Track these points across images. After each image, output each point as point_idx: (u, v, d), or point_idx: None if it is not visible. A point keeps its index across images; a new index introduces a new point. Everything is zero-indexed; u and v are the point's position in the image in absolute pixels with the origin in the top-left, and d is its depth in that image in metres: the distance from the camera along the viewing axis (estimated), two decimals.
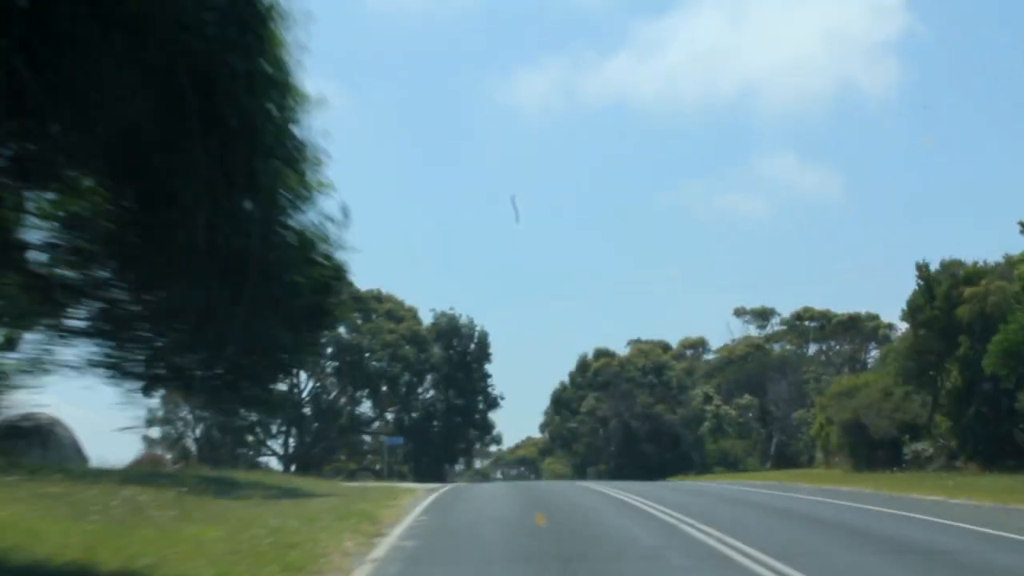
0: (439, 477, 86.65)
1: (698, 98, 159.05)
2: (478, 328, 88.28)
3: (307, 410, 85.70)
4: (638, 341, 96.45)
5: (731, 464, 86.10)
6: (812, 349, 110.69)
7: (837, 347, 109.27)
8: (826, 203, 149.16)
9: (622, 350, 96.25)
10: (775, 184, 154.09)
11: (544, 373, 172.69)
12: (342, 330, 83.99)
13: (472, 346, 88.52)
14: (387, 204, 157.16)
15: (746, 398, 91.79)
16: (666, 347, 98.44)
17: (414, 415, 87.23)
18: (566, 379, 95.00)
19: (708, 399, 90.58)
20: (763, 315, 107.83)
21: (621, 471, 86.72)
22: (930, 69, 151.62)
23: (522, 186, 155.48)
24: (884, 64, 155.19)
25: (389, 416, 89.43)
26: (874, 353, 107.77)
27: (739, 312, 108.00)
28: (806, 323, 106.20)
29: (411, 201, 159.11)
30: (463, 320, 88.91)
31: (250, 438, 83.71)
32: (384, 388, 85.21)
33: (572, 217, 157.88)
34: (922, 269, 43.63)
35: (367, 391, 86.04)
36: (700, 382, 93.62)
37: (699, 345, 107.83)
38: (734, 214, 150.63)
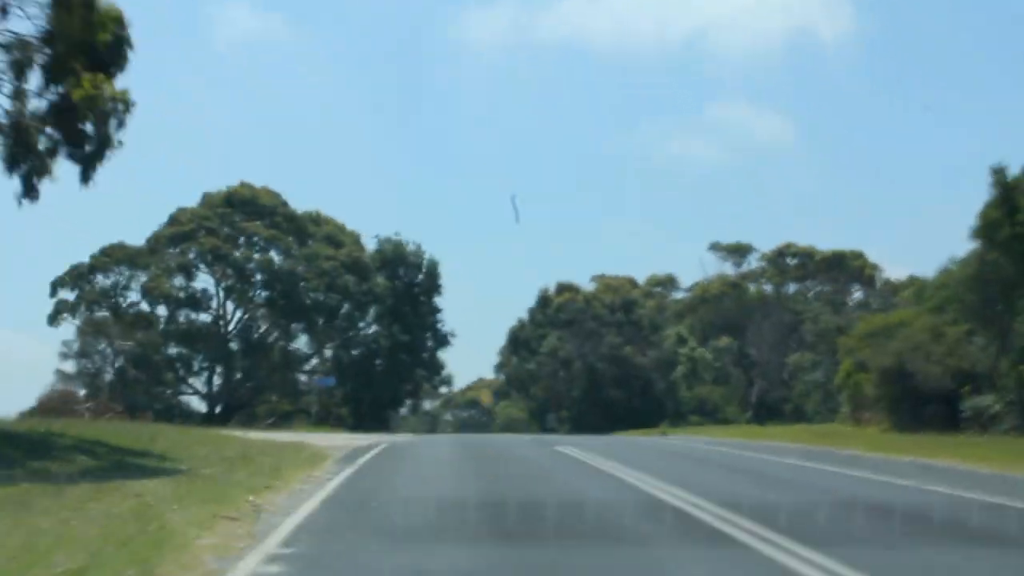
0: (382, 423, 76.41)
1: (652, 39, 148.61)
2: (427, 257, 78.00)
3: (234, 345, 74.85)
4: (603, 277, 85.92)
5: (708, 413, 76.55)
6: (791, 289, 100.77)
7: (820, 288, 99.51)
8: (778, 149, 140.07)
9: (587, 286, 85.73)
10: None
11: (500, 309, 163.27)
12: (274, 255, 73.02)
13: (420, 276, 78.02)
14: (332, 128, 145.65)
15: (723, 340, 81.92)
16: (633, 284, 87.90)
17: (354, 352, 76.80)
18: (525, 316, 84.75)
19: (682, 341, 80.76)
20: (740, 251, 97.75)
21: (583, 418, 76.99)
22: (887, 14, 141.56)
23: (478, 120, 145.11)
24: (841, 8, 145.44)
25: (328, 353, 78.56)
26: (857, 295, 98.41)
27: (714, 247, 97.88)
28: (787, 260, 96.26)
29: (357, 127, 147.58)
30: (410, 248, 78.47)
31: (169, 375, 72.59)
32: (321, 322, 74.30)
33: (526, 156, 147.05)
34: (998, 174, 33.31)
35: (302, 325, 75.28)
36: (671, 322, 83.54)
37: (668, 283, 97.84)
38: (688, 159, 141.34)
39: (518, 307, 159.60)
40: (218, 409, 74.37)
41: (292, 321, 74.35)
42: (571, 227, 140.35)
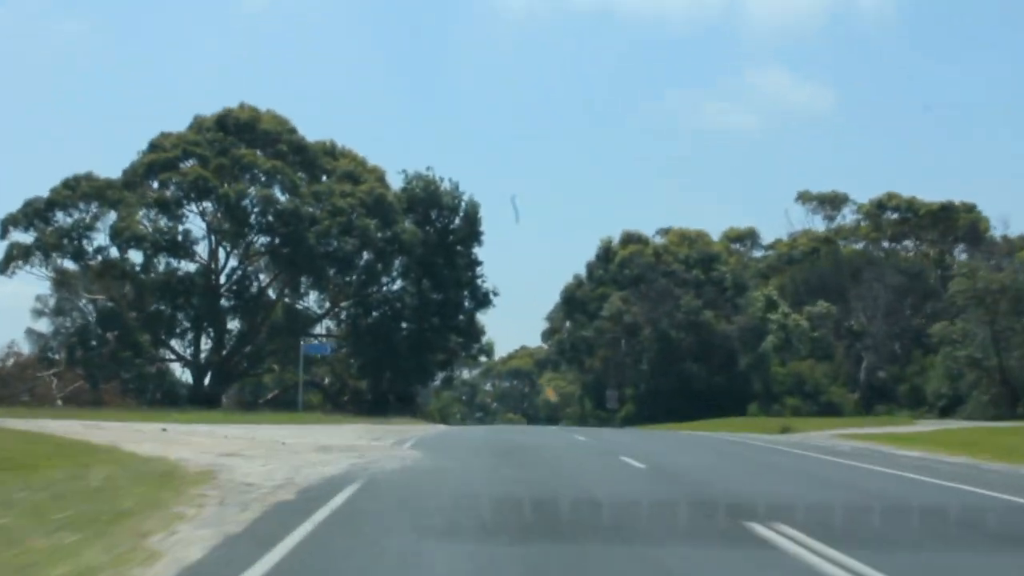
0: (406, 401, 61.99)
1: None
2: (465, 198, 63.08)
3: (226, 301, 60.45)
4: (673, 230, 70.76)
5: (808, 395, 61.32)
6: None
7: (920, 246, 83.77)
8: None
9: (658, 239, 70.54)
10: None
11: (552, 265, 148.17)
12: (277, 191, 58.43)
13: (456, 222, 63.27)
14: (351, 59, 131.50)
15: (821, 306, 66.62)
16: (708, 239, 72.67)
17: (375, 314, 62.38)
18: (582, 272, 69.53)
19: (772, 305, 65.55)
20: (834, 202, 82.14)
21: (652, 398, 61.82)
22: None
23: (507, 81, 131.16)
24: None
25: (342, 314, 64.32)
26: (962, 256, 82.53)
27: (804, 198, 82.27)
28: (888, 214, 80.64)
29: (389, 67, 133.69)
30: (445, 187, 63.33)
31: (145, 338, 58.19)
32: (333, 274, 59.85)
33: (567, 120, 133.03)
34: None
35: (310, 279, 60.68)
36: (755, 284, 68.15)
37: (749, 238, 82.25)
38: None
39: (574, 262, 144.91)
40: (207, 381, 60.09)
41: (298, 273, 59.89)
42: (626, 184, 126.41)
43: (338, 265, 59.48)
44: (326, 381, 68.97)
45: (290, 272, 60.72)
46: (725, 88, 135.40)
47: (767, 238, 79.82)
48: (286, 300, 64.24)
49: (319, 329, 67.24)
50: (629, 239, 69.39)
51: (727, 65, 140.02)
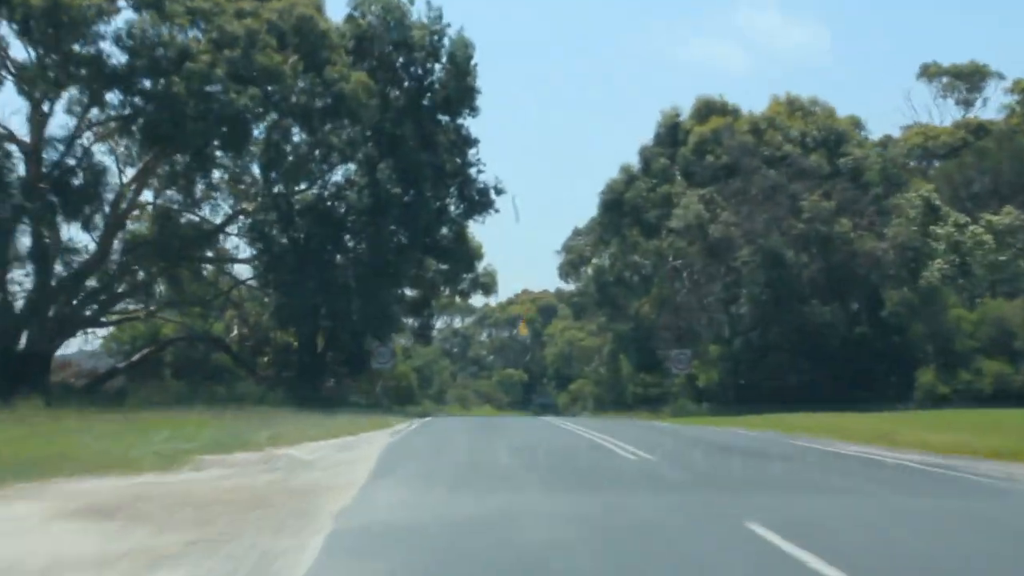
0: (359, 363, 37.38)
1: None
2: (451, 34, 37.73)
3: (56, 199, 34.90)
4: (778, 99, 45.07)
5: (1015, 353, 36.19)
6: None
7: None
8: None
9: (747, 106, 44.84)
10: None
11: (569, 168, 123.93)
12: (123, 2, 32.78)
13: (437, 72, 37.53)
14: None
15: (1008, 213, 41.65)
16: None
17: (299, 222, 36.55)
18: (633, 162, 44.18)
19: (933, 212, 40.18)
20: (972, 77, 56.42)
21: (757, 362, 37.14)
22: None
23: None
24: None
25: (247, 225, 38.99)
26: None
27: (930, 73, 56.51)
28: None
29: None
30: (418, 15, 37.76)
31: None
32: (223, 153, 34.34)
33: None
34: None
35: (187, 158, 35.08)
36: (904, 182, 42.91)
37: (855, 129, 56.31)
38: None
39: (621, 147, 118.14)
40: (23, 339, 35.02)
41: (158, 143, 34.27)
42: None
43: (228, 136, 33.78)
44: (233, 334, 43.71)
45: (151, 147, 35.11)
46: None
47: (875, 131, 53.86)
48: (157, 201, 38.74)
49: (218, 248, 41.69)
50: (709, 109, 43.77)
51: None
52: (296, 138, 37.80)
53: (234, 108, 33.03)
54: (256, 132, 36.11)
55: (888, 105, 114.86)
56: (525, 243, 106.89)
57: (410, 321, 43.09)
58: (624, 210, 43.01)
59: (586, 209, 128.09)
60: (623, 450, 16.51)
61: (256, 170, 38.12)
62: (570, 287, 64.77)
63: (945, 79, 58.08)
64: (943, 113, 59.84)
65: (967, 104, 58.82)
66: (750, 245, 39.00)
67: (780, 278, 38.42)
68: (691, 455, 16.58)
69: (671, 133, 43.57)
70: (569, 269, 61.68)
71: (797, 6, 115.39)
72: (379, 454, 15.20)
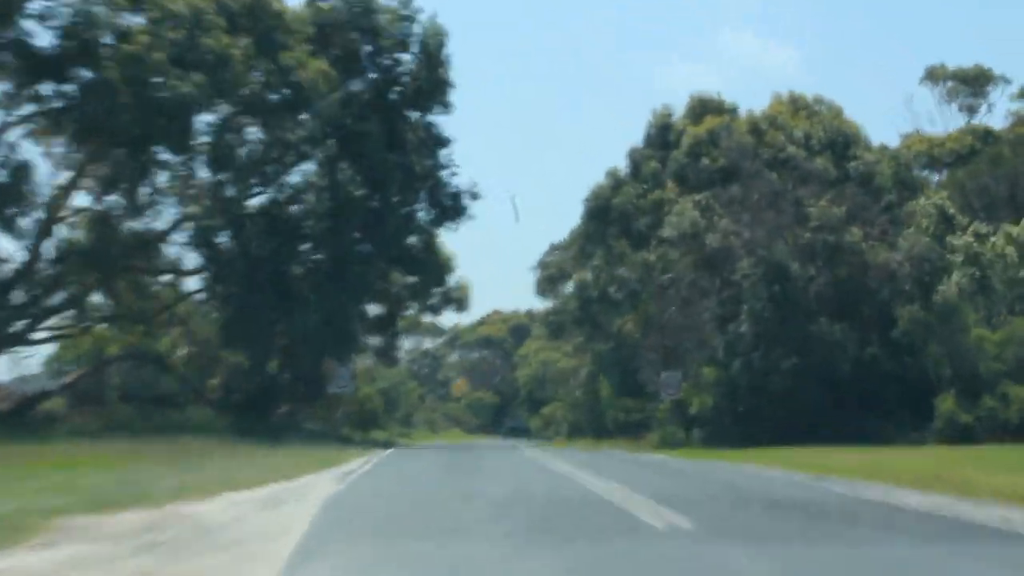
0: (315, 387, 33.50)
1: None
2: (422, 21, 33.95)
3: None
4: (781, 97, 41.28)
5: None
6: None
7: None
8: None
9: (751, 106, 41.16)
10: None
11: (544, 181, 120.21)
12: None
13: (407, 61, 33.56)
14: None
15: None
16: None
17: (251, 227, 32.33)
18: (621, 165, 40.41)
19: (946, 221, 36.70)
20: (978, 82, 53.20)
21: (757, 389, 33.57)
22: None
23: None
24: None
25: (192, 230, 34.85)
26: None
27: (935, 76, 53.24)
28: None
29: None
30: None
31: None
32: (167, 155, 30.25)
33: None
34: None
35: (126, 155, 30.92)
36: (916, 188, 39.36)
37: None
38: None
39: (608, 148, 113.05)
40: None
41: (90, 137, 30.16)
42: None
43: (169, 128, 29.70)
44: (182, 352, 39.43)
45: (83, 141, 31.03)
46: None
47: (875, 138, 50.36)
48: (96, 206, 34.57)
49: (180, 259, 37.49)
50: (704, 108, 40.03)
51: None
52: (248, 134, 33.86)
53: (175, 96, 29.00)
54: (203, 126, 32.24)
55: (881, 117, 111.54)
56: (497, 260, 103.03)
57: (374, 340, 39.03)
58: (610, 218, 39.14)
59: (561, 225, 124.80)
60: (637, 506, 12.47)
61: (204, 171, 34.08)
62: (546, 305, 60.90)
63: (950, 83, 54.72)
64: (947, 120, 56.61)
65: (971, 110, 55.58)
66: (751, 256, 35.23)
67: (784, 292, 34.67)
68: (741, 518, 12.42)
69: (662, 134, 39.79)
70: (547, 285, 57.81)
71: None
72: (314, 515, 11.11)
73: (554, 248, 64.38)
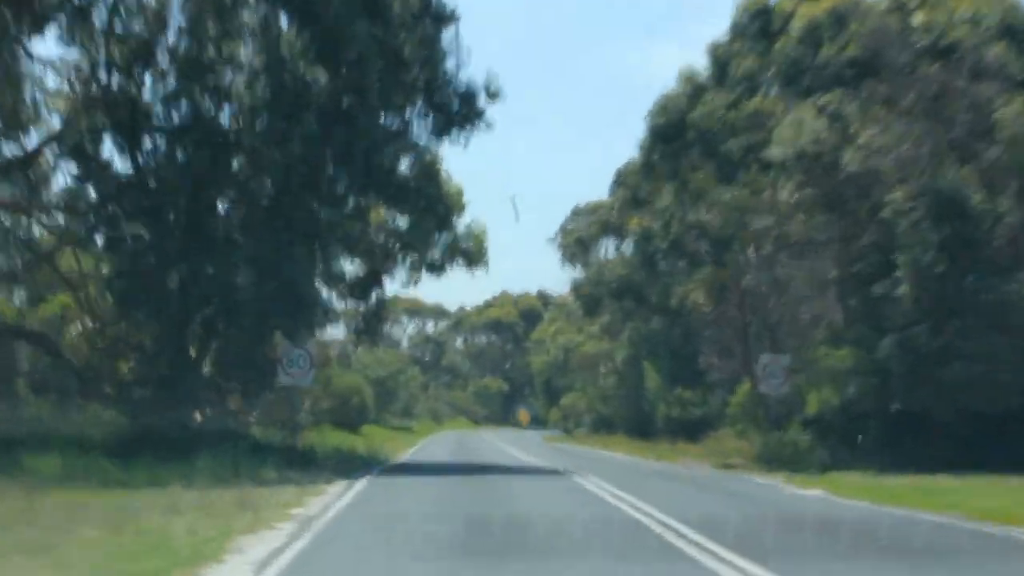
0: (255, 379, 21.22)
1: None
2: None
3: None
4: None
5: None
6: None
7: None
8: None
9: None
10: None
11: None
12: None
13: None
14: None
15: None
16: None
17: (154, 141, 19.79)
18: (701, 66, 27.91)
19: None
20: None
21: (924, 382, 20.21)
22: None
23: None
24: None
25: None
26: None
27: None
28: None
29: None
30: None
31: None
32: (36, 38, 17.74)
33: None
34: None
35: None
36: None
37: None
38: None
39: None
40: None
41: None
42: None
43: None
44: (78, 330, 27.45)
45: None
46: None
47: None
48: None
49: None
50: None
51: None
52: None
53: None
54: None
55: None
56: (509, 239, 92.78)
57: (348, 306, 26.86)
58: (687, 139, 27.15)
59: (575, 197, 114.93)
60: None
61: (84, 51, 22.22)
62: (570, 278, 48.78)
63: None
64: None
65: None
66: (907, 184, 23.38)
67: (961, 236, 22.85)
68: None
69: (759, 21, 27.88)
70: (576, 250, 45.96)
71: None
72: None
73: (576, 213, 53.03)
